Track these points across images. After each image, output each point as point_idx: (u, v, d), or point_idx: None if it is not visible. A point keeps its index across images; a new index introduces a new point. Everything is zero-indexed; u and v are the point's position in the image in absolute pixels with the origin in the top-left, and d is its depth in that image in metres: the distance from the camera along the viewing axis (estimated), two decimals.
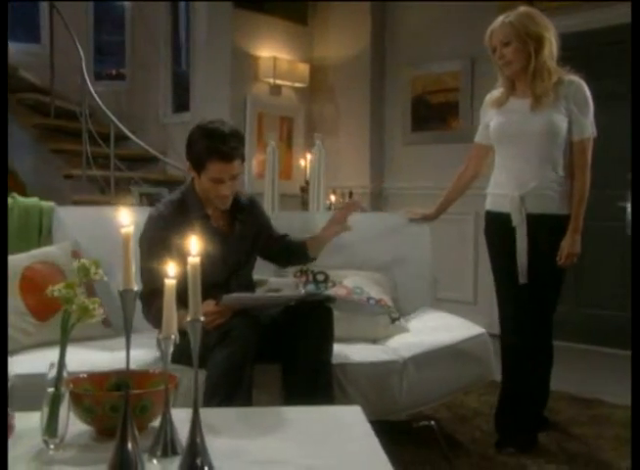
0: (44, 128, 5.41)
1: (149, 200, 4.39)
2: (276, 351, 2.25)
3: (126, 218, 1.41)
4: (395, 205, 5.53)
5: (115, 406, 1.50)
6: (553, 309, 2.64)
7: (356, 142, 5.70)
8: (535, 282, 2.55)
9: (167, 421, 1.47)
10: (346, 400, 2.23)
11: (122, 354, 2.19)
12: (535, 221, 2.56)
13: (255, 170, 5.51)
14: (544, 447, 2.63)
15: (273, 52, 5.57)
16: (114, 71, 6.59)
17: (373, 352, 2.46)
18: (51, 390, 1.51)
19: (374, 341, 2.64)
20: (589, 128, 2.58)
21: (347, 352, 2.38)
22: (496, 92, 2.72)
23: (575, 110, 2.54)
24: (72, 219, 2.83)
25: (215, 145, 2.23)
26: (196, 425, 1.37)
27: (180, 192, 2.44)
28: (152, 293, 2.09)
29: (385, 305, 2.73)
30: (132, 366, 2.20)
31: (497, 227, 2.66)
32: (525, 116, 2.56)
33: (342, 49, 5.77)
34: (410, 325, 2.75)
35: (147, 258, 2.22)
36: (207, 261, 2.26)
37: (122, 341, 2.43)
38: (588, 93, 2.57)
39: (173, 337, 1.50)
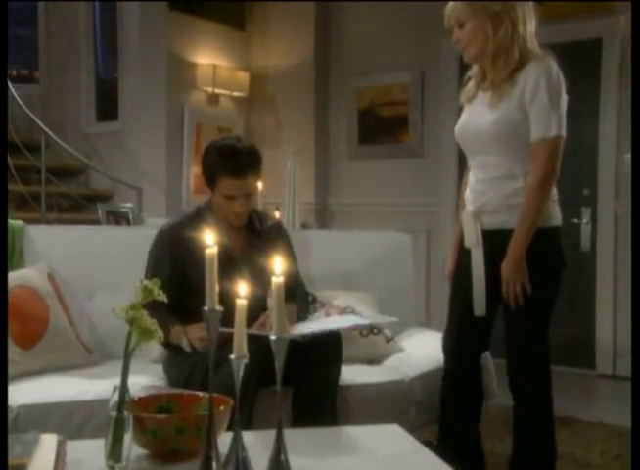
0: None
1: (115, 218, 4.42)
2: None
3: (210, 239, 1.54)
4: (342, 221, 5.76)
5: (181, 428, 1.62)
6: (541, 349, 2.46)
7: (299, 155, 5.89)
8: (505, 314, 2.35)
9: (238, 441, 1.60)
10: (351, 422, 2.40)
11: (114, 381, 2.32)
12: (494, 239, 2.33)
13: (192, 185, 5.60)
14: None
15: (212, 59, 5.71)
16: (24, 72, 6.49)
17: (375, 372, 2.65)
18: (114, 414, 1.60)
19: (369, 362, 2.82)
20: (552, 126, 2.23)
21: (349, 373, 2.55)
22: (467, 85, 2.51)
23: (535, 102, 2.23)
24: (45, 239, 2.87)
25: (227, 161, 2.39)
26: (280, 444, 1.51)
27: (196, 208, 2.59)
28: (151, 306, 2.23)
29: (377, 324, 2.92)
30: (135, 392, 2.32)
31: (460, 247, 2.48)
32: (480, 114, 2.35)
33: (283, 57, 5.98)
34: (404, 344, 2.96)
35: (151, 272, 2.37)
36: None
37: (109, 368, 2.57)
38: (556, 79, 2.26)
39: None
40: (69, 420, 2.17)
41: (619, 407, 3.70)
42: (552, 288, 2.35)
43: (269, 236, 2.63)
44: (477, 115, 2.37)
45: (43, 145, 4.79)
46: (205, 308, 1.56)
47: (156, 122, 5.51)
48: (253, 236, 2.59)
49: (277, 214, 5.34)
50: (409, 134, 5.61)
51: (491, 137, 2.31)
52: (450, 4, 2.39)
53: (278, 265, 1.54)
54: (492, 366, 2.78)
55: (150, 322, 1.63)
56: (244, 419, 2.15)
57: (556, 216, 2.35)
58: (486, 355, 2.77)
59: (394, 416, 2.48)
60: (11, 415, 2.11)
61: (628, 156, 4.45)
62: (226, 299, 2.32)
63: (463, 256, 2.44)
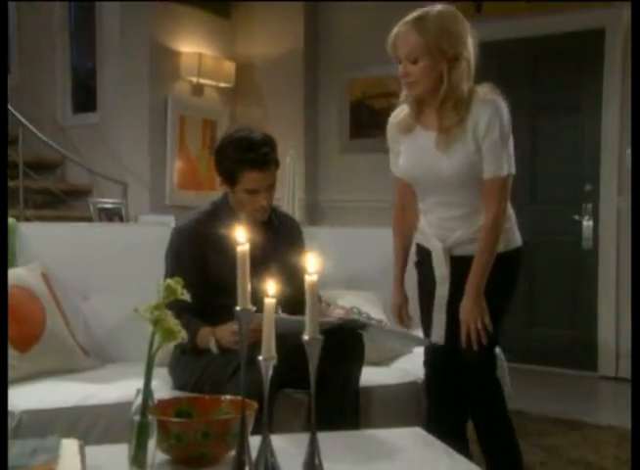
0: None
1: (107, 215, 4.40)
2: (300, 376, 2.41)
3: (242, 236, 1.55)
4: (333, 218, 5.78)
5: (207, 433, 1.64)
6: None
7: (287, 150, 5.90)
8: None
9: (267, 446, 1.62)
10: (368, 425, 2.43)
11: (118, 386, 2.35)
12: (463, 262, 2.40)
13: (176, 181, 5.59)
14: None
15: (196, 47, 5.70)
16: None
17: (387, 374, 2.69)
18: (137, 418, 1.61)
19: (376, 363, 2.85)
20: (503, 166, 2.36)
21: (364, 375, 2.58)
22: (400, 112, 2.50)
23: (486, 143, 2.32)
24: (37, 237, 2.87)
25: (247, 154, 2.40)
26: (314, 448, 1.53)
27: (211, 204, 2.60)
28: (173, 307, 2.24)
29: (385, 324, 2.95)
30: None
31: (428, 264, 2.54)
32: (433, 156, 2.38)
33: (271, 46, 5.98)
34: None
35: (172, 271, 2.38)
36: (230, 284, 2.41)
37: (109, 372, 2.58)
38: (505, 119, 2.35)
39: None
40: (75, 426, 2.19)
41: (626, 410, 3.76)
42: (505, 305, 2.46)
43: (286, 233, 2.66)
44: (429, 157, 2.39)
45: (21, 138, 4.76)
46: (237, 308, 1.57)
47: (137, 114, 5.50)
48: (272, 233, 2.61)
49: None
50: None
51: (452, 181, 2.37)
52: (402, 33, 2.32)
53: (311, 263, 1.56)
54: (506, 367, 2.82)
55: (174, 322, 1.64)
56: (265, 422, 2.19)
57: (515, 239, 2.47)
58: (499, 357, 2.81)
59: (406, 418, 2.53)
60: (13, 421, 2.11)
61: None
62: (235, 291, 2.37)
63: (424, 275, 2.54)
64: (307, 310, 1.58)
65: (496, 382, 2.50)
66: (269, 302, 1.63)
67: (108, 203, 4.58)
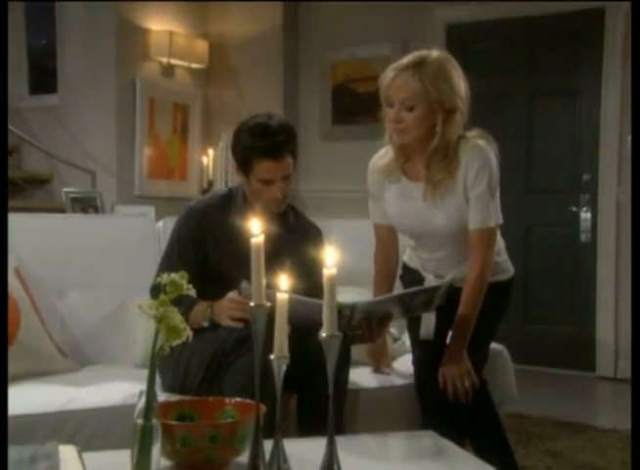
0: None
1: (80, 206, 4.37)
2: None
3: (256, 227, 1.57)
4: (315, 210, 5.78)
5: (215, 437, 1.65)
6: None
7: None
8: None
9: (280, 451, 1.64)
10: (358, 428, 2.47)
11: (102, 389, 2.36)
12: (455, 293, 2.49)
13: (146, 169, 5.57)
14: None
15: (167, 25, 5.67)
16: None
17: (383, 375, 2.71)
18: (140, 422, 1.62)
19: (367, 363, 2.87)
20: (490, 217, 2.45)
21: (356, 376, 2.61)
22: (384, 155, 2.58)
23: (474, 193, 2.42)
24: (8, 230, 2.84)
25: (262, 141, 2.42)
26: (332, 452, 1.56)
27: (228, 189, 2.68)
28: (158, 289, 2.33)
29: None
30: (125, 402, 2.35)
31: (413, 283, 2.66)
32: (424, 208, 2.49)
33: (247, 24, 5.96)
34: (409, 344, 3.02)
35: (173, 250, 2.50)
36: (229, 275, 2.44)
37: (90, 374, 2.58)
38: (494, 169, 2.44)
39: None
40: (59, 431, 2.18)
41: (629, 412, 3.84)
42: (495, 329, 2.60)
43: (303, 236, 2.67)
44: (420, 209, 2.49)
45: None
46: (252, 304, 1.59)
47: (102, 97, 5.46)
48: (285, 231, 2.63)
49: None
50: None
51: (445, 232, 2.49)
52: (401, 77, 2.39)
53: (330, 257, 1.58)
54: (512, 370, 2.88)
55: (179, 320, 1.65)
56: (269, 426, 2.22)
57: (509, 269, 2.62)
58: (506, 358, 2.86)
59: (405, 421, 2.57)
60: None
61: None
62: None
63: (412, 281, 2.65)
64: (325, 306, 1.60)
65: (492, 409, 2.56)
66: (282, 297, 1.65)
67: (80, 192, 4.54)
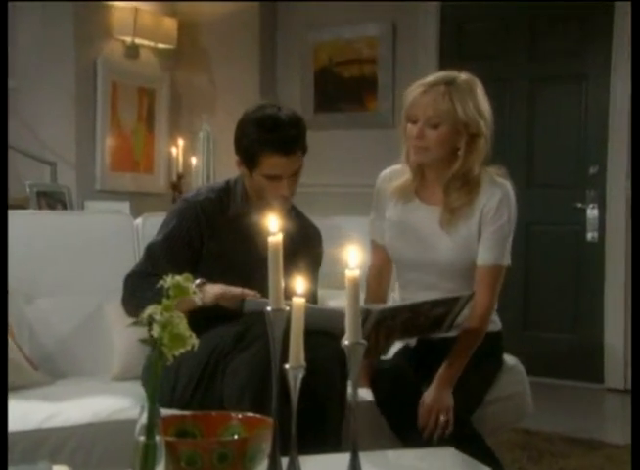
0: None
1: (48, 202, 4.33)
2: None
3: (274, 224, 1.57)
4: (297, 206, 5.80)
5: (224, 455, 1.65)
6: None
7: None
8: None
9: (297, 468, 1.65)
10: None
11: (81, 404, 2.36)
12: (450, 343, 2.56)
13: (108, 161, 5.54)
14: None
15: (132, 1, 5.64)
16: None
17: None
18: (142, 439, 1.61)
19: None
20: (505, 255, 2.56)
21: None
22: (399, 178, 2.67)
23: (492, 227, 2.52)
24: None
25: (270, 134, 2.44)
26: (356, 468, 1.57)
27: (226, 182, 2.68)
28: (147, 276, 2.44)
29: None
30: (109, 418, 2.34)
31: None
32: (432, 235, 2.58)
33: (220, 1, 5.94)
34: None
35: (163, 240, 2.54)
36: (220, 276, 2.45)
37: (64, 389, 2.57)
38: (514, 207, 2.56)
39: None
40: (38, 450, 2.19)
41: None
42: (485, 387, 2.66)
43: (303, 238, 2.68)
44: (427, 235, 2.59)
45: None
46: (269, 309, 1.59)
47: (60, 80, 5.40)
48: (287, 235, 2.63)
49: None
50: (377, 100, 5.71)
51: (444, 262, 2.57)
52: (431, 94, 2.49)
53: (353, 257, 1.59)
54: (528, 383, 2.90)
55: (184, 327, 1.65)
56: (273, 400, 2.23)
57: (496, 321, 2.69)
58: (520, 371, 2.89)
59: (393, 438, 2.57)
60: None
61: None
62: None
63: None
64: (348, 311, 1.61)
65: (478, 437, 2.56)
66: (298, 301, 1.65)
67: (46, 186, 4.50)
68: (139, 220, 3.03)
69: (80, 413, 2.32)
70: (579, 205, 5.21)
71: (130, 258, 2.89)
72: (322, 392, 2.40)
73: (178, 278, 1.69)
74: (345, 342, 1.62)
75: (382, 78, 5.68)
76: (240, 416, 1.85)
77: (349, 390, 2.50)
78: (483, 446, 2.55)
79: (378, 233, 2.71)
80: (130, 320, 2.66)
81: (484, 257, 2.53)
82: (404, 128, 2.56)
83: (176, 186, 5.55)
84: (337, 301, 3.04)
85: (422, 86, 2.52)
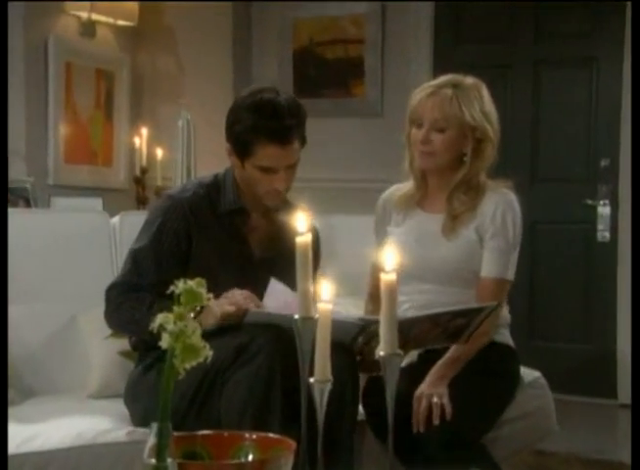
0: None
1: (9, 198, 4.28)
2: None
3: (303, 223, 1.58)
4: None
5: None
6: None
7: (210, 112, 5.85)
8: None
9: None
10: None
11: (59, 426, 2.36)
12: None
13: (63, 151, 5.50)
14: None
15: None
16: None
17: None
18: (152, 462, 1.61)
19: None
20: (509, 269, 2.69)
21: None
22: (397, 190, 2.85)
23: (497, 239, 2.66)
24: None
25: (269, 122, 2.44)
26: None
27: (214, 176, 2.67)
28: (132, 287, 2.48)
29: None
30: (93, 441, 2.35)
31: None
32: (433, 241, 2.71)
33: None
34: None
35: (148, 245, 2.53)
36: (210, 278, 2.44)
37: (37, 408, 2.57)
38: (519, 219, 2.71)
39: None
40: None
41: None
42: (498, 407, 2.73)
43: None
44: (428, 241, 2.73)
45: None
46: (296, 317, 1.60)
47: (11, 60, 5.35)
48: (281, 233, 2.64)
49: None
50: (364, 85, 5.71)
51: (445, 269, 2.70)
52: (438, 95, 2.65)
53: (389, 258, 1.60)
54: (551, 398, 2.94)
55: (198, 337, 1.64)
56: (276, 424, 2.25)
57: (510, 337, 2.88)
58: (542, 385, 2.93)
59: None
60: None
61: None
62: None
63: None
64: (384, 318, 1.62)
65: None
66: (324, 307, 1.66)
67: (15, 182, 4.46)
68: (116, 219, 3.02)
69: (60, 436, 2.34)
70: (589, 201, 5.24)
71: (107, 261, 2.90)
72: (333, 409, 2.42)
73: (190, 283, 1.69)
74: (381, 353, 1.63)
75: (369, 61, 5.68)
76: (254, 436, 1.85)
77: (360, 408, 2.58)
78: (494, 468, 2.60)
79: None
80: (108, 331, 2.73)
81: (487, 268, 2.67)
82: (408, 134, 2.71)
83: (140, 181, 5.53)
84: (336, 307, 3.05)
85: (427, 88, 2.67)
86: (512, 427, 2.82)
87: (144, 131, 5.65)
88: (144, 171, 5.57)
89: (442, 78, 2.71)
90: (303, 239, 1.61)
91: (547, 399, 2.96)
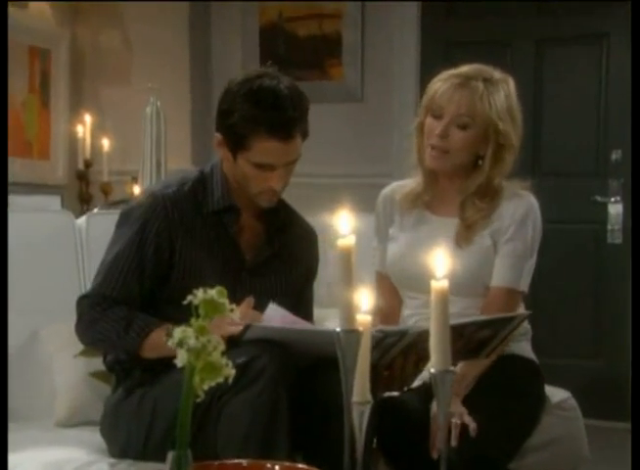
0: None
1: None
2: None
3: (346, 225, 1.58)
4: None
5: None
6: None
7: (166, 97, 5.85)
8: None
9: None
10: None
11: (35, 457, 2.34)
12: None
13: None
14: None
15: None
16: None
17: None
18: None
19: None
20: (523, 279, 2.74)
21: None
22: (401, 187, 2.88)
23: (513, 245, 2.72)
24: None
25: (266, 113, 2.43)
26: None
27: (200, 171, 2.67)
28: (104, 300, 2.49)
29: None
30: None
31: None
32: (444, 248, 2.76)
33: None
34: None
35: (126, 249, 2.53)
36: (197, 284, 2.43)
37: (21, 435, 2.56)
38: (539, 226, 2.77)
39: None
40: None
41: None
42: (521, 430, 2.75)
43: (297, 240, 2.74)
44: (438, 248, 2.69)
45: None
46: (337, 329, 1.60)
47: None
48: (275, 235, 2.68)
49: (136, 190, 5.34)
50: (342, 66, 5.75)
51: (461, 278, 2.62)
52: (464, 90, 2.66)
53: (440, 264, 1.62)
54: (582, 422, 2.97)
55: (218, 354, 1.64)
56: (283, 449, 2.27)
57: (531, 351, 2.90)
58: (573, 406, 2.96)
59: None
60: None
61: None
62: None
63: None
64: (434, 328, 1.63)
65: None
66: (364, 319, 1.67)
67: None
68: (82, 220, 3.01)
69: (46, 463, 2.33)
70: (599, 198, 5.31)
71: (72, 268, 2.88)
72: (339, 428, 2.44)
73: (211, 292, 1.69)
74: (432, 369, 1.64)
75: (347, 38, 5.72)
76: (277, 467, 1.86)
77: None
78: None
79: (384, 263, 2.85)
80: (77, 348, 2.72)
81: (499, 277, 2.71)
82: (421, 123, 2.72)
83: (83, 176, 5.50)
84: (335, 320, 3.06)
85: (455, 78, 2.67)
86: (537, 456, 2.83)
87: (87, 118, 5.63)
88: (88, 165, 5.55)
89: (470, 68, 2.69)
90: (346, 242, 1.60)
91: (578, 423, 2.97)
